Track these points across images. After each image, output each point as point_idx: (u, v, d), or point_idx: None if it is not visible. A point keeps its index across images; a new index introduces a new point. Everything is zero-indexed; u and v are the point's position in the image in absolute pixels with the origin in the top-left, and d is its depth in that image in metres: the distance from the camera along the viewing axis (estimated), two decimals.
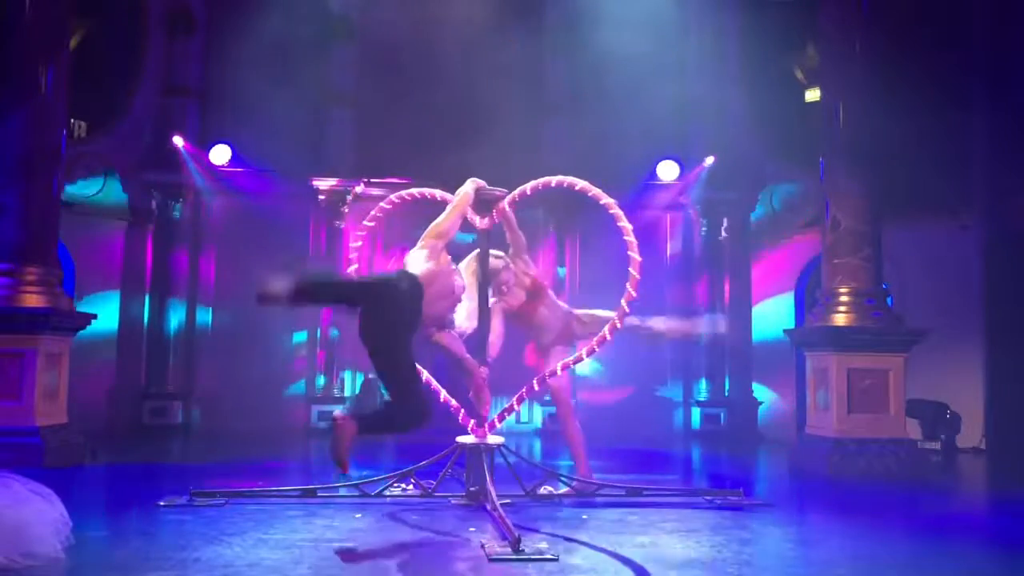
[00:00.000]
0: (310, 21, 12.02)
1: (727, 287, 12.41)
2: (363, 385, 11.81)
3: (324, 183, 11.96)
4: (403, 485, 5.88)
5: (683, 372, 12.40)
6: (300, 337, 12.19)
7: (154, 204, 12.02)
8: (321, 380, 11.92)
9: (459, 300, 5.21)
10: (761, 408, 12.05)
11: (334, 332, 11.82)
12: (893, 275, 9.97)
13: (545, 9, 12.62)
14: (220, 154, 11.83)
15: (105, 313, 10.79)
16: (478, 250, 5.73)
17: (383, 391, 11.70)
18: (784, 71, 12.54)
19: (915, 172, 10.35)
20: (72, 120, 11.28)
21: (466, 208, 5.49)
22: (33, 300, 7.63)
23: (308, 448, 10.00)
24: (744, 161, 12.23)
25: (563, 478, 6.05)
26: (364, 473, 6.36)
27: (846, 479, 7.37)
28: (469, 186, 5.48)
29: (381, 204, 6.23)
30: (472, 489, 5.58)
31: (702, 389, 12.23)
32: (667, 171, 12.14)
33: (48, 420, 7.61)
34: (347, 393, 11.99)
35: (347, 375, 12.03)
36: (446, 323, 5.25)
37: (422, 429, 4.81)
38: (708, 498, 5.97)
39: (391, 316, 4.63)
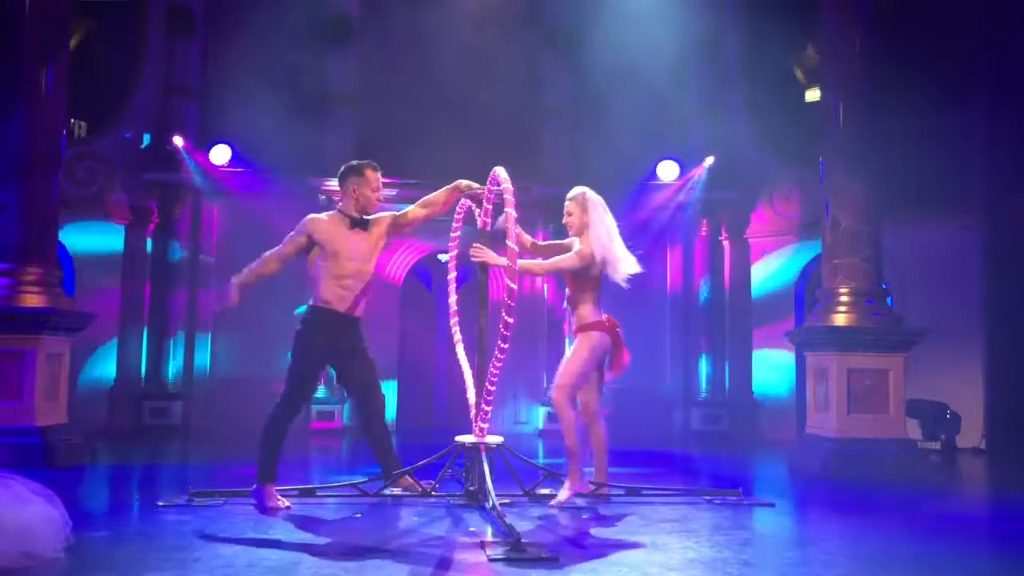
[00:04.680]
0: (310, 21, 12.03)
1: (727, 285, 12.44)
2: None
3: (324, 183, 11.97)
4: None
5: (683, 372, 12.41)
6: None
7: (154, 204, 12.04)
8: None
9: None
10: (760, 408, 12.06)
11: None
12: (893, 275, 9.97)
13: (545, 9, 12.63)
14: (220, 154, 11.85)
15: (105, 311, 10.78)
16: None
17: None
18: (784, 71, 12.54)
19: (915, 172, 10.35)
20: (72, 120, 11.30)
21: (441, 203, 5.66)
22: (33, 300, 7.63)
23: (308, 448, 9.99)
24: (744, 161, 12.24)
25: (563, 478, 6.04)
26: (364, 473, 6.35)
27: (846, 479, 7.36)
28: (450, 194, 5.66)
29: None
30: (471, 489, 5.58)
31: (702, 389, 12.25)
32: (667, 171, 12.15)
33: (48, 420, 7.61)
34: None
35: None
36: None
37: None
38: (708, 498, 5.96)
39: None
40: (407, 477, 5.66)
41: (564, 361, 5.88)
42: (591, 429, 5.92)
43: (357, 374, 5.56)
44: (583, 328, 5.71)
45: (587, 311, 5.71)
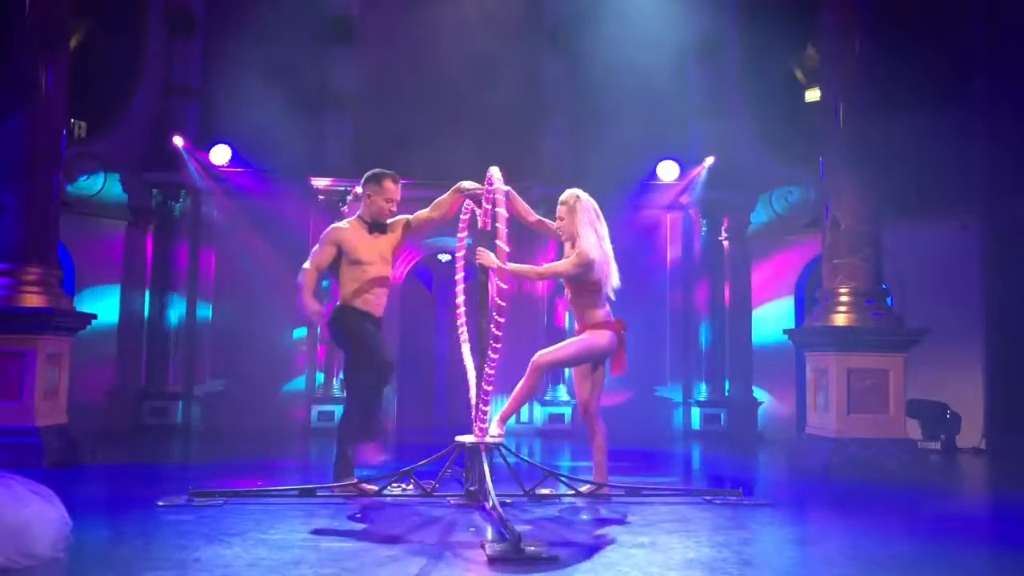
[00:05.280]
0: (310, 21, 12.03)
1: (727, 287, 12.43)
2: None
3: (324, 183, 11.99)
4: (403, 485, 5.88)
5: (683, 372, 12.41)
6: (300, 332, 12.22)
7: (154, 204, 12.05)
8: (320, 378, 11.95)
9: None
10: (761, 408, 12.07)
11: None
12: (893, 275, 9.97)
13: (545, 9, 12.64)
14: (220, 154, 11.85)
15: (105, 313, 10.80)
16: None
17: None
18: (784, 71, 12.55)
19: (915, 172, 10.36)
20: (72, 120, 11.29)
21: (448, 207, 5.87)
22: (33, 300, 7.63)
23: (308, 448, 9.99)
24: (744, 161, 12.24)
25: (563, 478, 6.05)
26: (364, 473, 6.35)
27: (846, 479, 7.36)
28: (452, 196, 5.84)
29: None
30: (471, 489, 5.58)
31: (702, 389, 12.25)
32: (667, 171, 12.15)
33: (48, 420, 7.60)
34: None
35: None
36: None
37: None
38: (708, 498, 5.96)
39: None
40: (353, 477, 5.88)
41: (564, 342, 5.97)
42: (591, 429, 5.92)
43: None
44: (594, 327, 5.70)
45: (594, 313, 5.70)
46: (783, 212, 12.07)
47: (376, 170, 5.92)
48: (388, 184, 5.81)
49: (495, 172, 5.39)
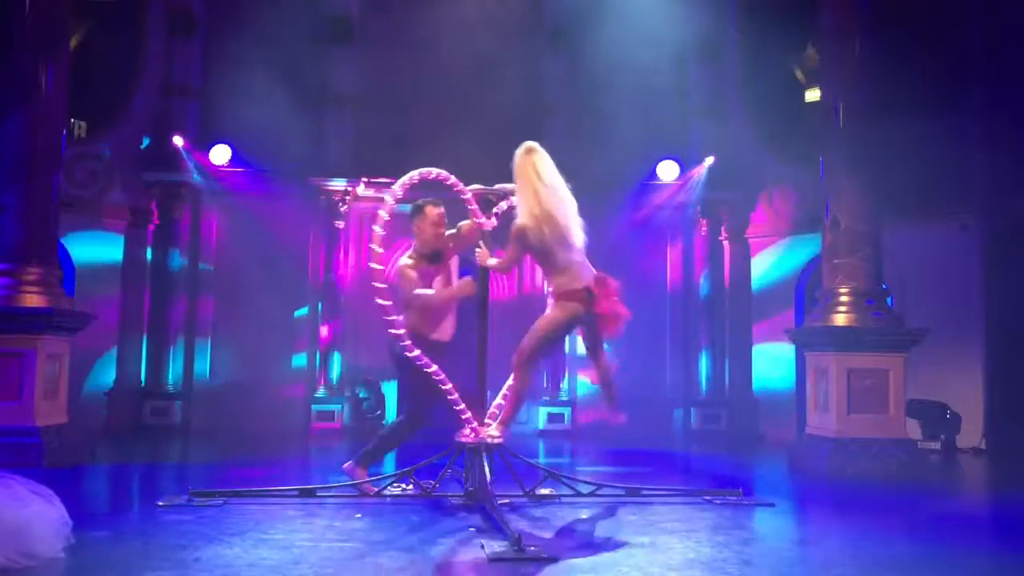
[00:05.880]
0: (310, 21, 12.04)
1: (727, 287, 12.43)
2: (364, 384, 11.85)
3: (324, 183, 11.99)
4: (403, 485, 5.89)
5: (683, 372, 12.39)
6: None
7: (154, 204, 12.04)
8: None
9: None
10: (761, 407, 12.05)
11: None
12: (893, 275, 9.96)
13: (545, 9, 12.64)
14: (220, 154, 11.86)
15: (105, 312, 10.79)
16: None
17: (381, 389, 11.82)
18: (784, 71, 12.54)
19: (915, 172, 10.35)
20: (72, 120, 11.29)
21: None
22: (33, 300, 7.63)
23: (308, 448, 9.99)
24: (744, 161, 12.24)
25: (563, 478, 6.05)
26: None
27: (846, 479, 7.36)
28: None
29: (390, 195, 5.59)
30: (471, 489, 5.58)
31: (702, 389, 12.24)
32: (667, 171, 12.15)
33: (48, 420, 7.60)
34: (346, 391, 12.02)
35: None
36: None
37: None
38: (708, 498, 5.96)
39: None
40: (363, 472, 5.96)
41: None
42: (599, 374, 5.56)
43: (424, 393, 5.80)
44: (557, 297, 5.14)
45: (554, 283, 5.10)
46: (782, 209, 12.04)
47: (416, 202, 5.87)
48: (429, 210, 5.77)
49: (414, 175, 5.52)
